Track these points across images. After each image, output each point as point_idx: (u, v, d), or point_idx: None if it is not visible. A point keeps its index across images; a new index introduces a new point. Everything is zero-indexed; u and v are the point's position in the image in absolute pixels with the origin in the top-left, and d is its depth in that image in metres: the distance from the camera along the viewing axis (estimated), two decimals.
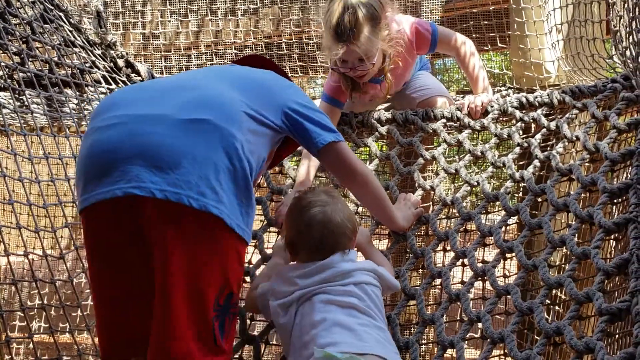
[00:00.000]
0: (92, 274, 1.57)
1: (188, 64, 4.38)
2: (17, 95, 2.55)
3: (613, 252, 2.14)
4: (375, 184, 2.06)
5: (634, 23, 1.88)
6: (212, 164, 1.47)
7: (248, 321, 2.22)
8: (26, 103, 2.48)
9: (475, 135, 2.65)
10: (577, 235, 2.02)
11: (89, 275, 1.59)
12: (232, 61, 2.08)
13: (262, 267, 2.38)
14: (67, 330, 2.22)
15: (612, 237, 2.00)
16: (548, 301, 2.04)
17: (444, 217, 2.51)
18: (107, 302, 1.56)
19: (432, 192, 2.50)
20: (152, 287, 1.48)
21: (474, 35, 3.80)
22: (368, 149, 2.73)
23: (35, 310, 4.23)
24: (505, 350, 1.85)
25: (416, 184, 2.50)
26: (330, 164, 1.98)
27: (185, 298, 1.46)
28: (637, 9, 1.83)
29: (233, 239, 1.54)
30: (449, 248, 2.33)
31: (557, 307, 2.49)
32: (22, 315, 4.01)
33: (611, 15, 2.36)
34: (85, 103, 2.73)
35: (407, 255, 2.45)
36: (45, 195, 2.25)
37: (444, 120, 2.67)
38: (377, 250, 2.15)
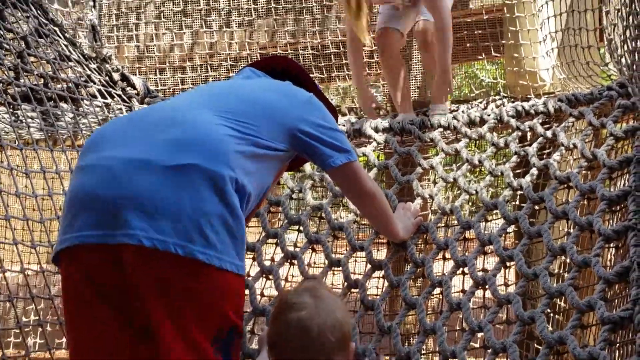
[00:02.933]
0: (69, 329, 1.51)
1: (183, 76, 4.38)
2: (12, 110, 2.54)
3: (612, 259, 2.14)
4: (382, 202, 2.03)
5: (627, 32, 1.88)
6: (202, 209, 1.42)
7: (248, 334, 2.20)
8: (21, 117, 2.48)
9: (472, 144, 2.65)
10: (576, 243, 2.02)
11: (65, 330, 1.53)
12: (250, 64, 2.01)
13: (261, 279, 2.37)
14: (64, 347, 2.19)
15: (612, 244, 2.00)
16: (548, 310, 2.03)
17: (443, 225, 2.51)
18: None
19: (430, 201, 2.50)
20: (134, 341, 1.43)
21: (468, 45, 3.83)
22: (366, 157, 2.73)
23: (31, 326, 4.19)
24: None
25: (415, 193, 2.50)
26: (340, 183, 1.98)
27: (179, 347, 1.41)
28: (630, 18, 1.84)
29: (228, 279, 1.48)
30: (448, 257, 2.32)
31: (557, 316, 2.48)
32: (18, 331, 3.97)
33: (605, 23, 2.37)
34: (81, 117, 2.72)
35: (407, 264, 2.45)
36: (41, 209, 2.23)
37: (440, 129, 2.67)
38: None
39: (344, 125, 2.82)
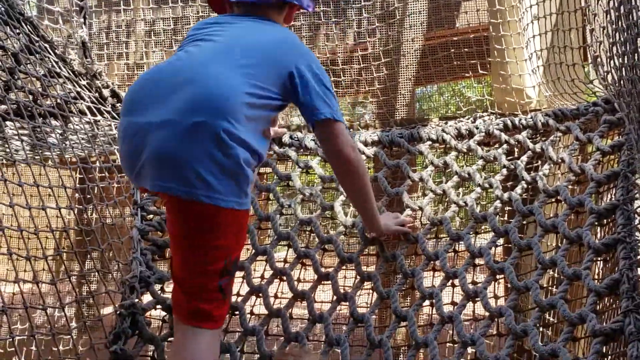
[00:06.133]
0: None
1: None
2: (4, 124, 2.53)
3: (601, 272, 2.17)
4: (365, 177, 2.01)
5: (614, 48, 1.93)
6: (205, 159, 1.66)
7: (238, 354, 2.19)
8: (14, 134, 2.47)
9: (461, 157, 2.69)
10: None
11: None
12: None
13: (251, 298, 2.37)
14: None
15: (601, 257, 2.02)
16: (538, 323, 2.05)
17: (432, 237, 2.53)
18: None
19: (420, 213, 2.51)
20: None
21: (455, 62, 3.87)
22: None
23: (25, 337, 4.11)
24: None
25: (404, 205, 2.52)
26: (323, 140, 1.95)
27: (194, 270, 1.78)
28: (616, 34, 1.89)
29: (232, 215, 1.72)
30: (438, 268, 2.34)
31: (546, 330, 2.49)
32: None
33: (590, 40, 2.42)
34: (70, 133, 2.70)
35: (396, 276, 2.45)
36: (36, 224, 2.21)
37: (429, 142, 2.70)
38: None
39: None
